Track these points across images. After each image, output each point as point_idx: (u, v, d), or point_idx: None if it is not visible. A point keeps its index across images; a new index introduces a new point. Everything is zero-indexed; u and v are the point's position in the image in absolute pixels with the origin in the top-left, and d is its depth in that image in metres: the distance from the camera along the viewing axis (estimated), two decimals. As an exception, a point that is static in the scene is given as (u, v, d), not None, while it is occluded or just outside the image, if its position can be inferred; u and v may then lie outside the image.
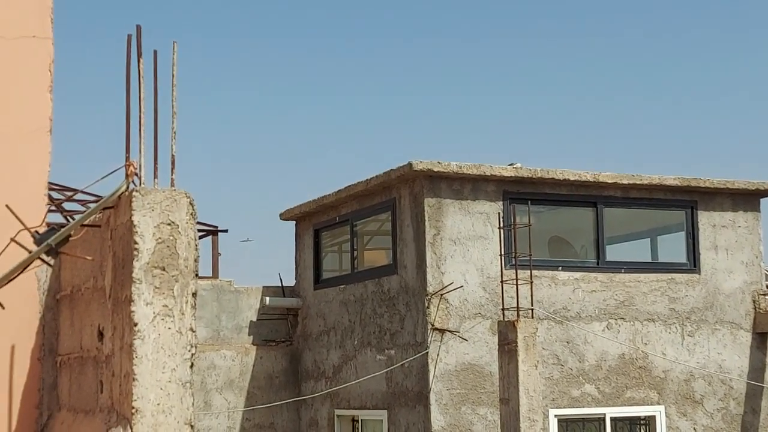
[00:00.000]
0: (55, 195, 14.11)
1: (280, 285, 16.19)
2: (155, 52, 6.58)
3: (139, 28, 6.50)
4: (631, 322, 13.88)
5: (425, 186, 13.05)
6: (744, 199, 14.77)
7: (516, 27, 47.25)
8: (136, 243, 6.04)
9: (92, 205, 13.85)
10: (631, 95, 46.81)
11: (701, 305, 14.32)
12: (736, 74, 45.03)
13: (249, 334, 15.81)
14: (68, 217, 14.58)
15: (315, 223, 15.81)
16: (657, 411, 13.86)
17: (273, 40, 49.83)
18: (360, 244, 15.24)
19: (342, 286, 14.89)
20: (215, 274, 17.15)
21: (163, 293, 6.06)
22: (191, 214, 6.29)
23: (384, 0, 47.54)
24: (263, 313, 15.91)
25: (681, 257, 14.54)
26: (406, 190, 13.42)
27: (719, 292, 14.46)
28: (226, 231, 17.46)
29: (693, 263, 14.44)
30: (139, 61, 6.51)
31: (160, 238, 6.12)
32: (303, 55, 49.09)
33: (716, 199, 14.65)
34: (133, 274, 6.02)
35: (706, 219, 14.55)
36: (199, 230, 16.60)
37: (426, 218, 13.00)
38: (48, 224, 7.03)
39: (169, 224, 6.16)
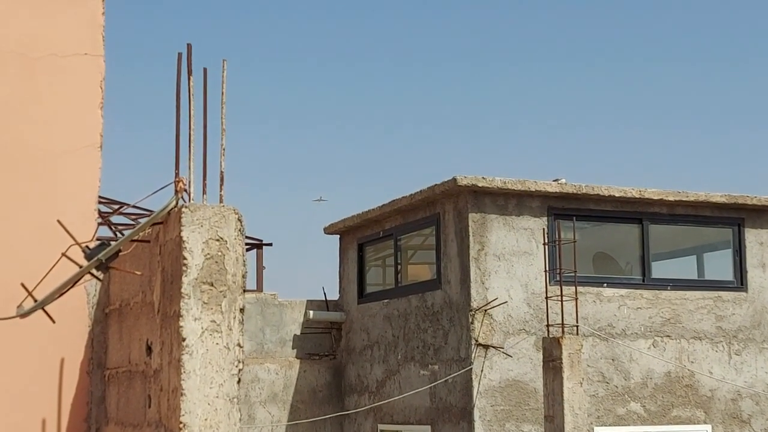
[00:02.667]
0: (102, 208, 14.27)
1: (323, 299, 16.24)
2: (205, 69, 6.66)
3: (189, 46, 6.58)
4: (677, 340, 13.75)
5: (469, 201, 13.04)
6: (792, 216, 14.59)
7: (564, 46, 47.16)
8: (185, 258, 6.11)
9: (140, 219, 14.01)
10: (677, 112, 46.51)
11: (748, 324, 14.16)
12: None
13: (293, 348, 15.86)
14: (116, 231, 14.74)
15: (359, 237, 15.84)
16: (704, 430, 13.70)
17: (320, 58, 50.14)
18: (404, 259, 15.24)
19: (385, 301, 14.90)
20: (259, 288, 17.25)
21: (212, 308, 6.11)
22: (239, 230, 6.35)
23: (430, 21, 47.65)
24: (307, 326, 15.95)
25: (728, 275, 14.38)
26: (450, 205, 13.41)
27: (766, 311, 14.29)
28: (270, 245, 17.56)
29: (740, 281, 14.28)
30: (189, 79, 6.59)
31: (208, 253, 6.18)
32: (350, 72, 49.35)
33: (764, 217, 14.49)
34: (182, 290, 6.08)
35: (753, 237, 14.40)
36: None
37: (470, 233, 12.98)
38: (98, 239, 7.12)
39: (217, 240, 6.22)
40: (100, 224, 12.94)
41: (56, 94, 7.34)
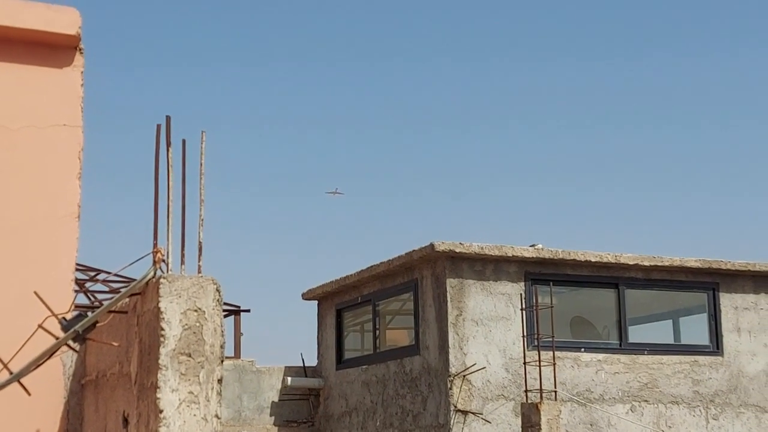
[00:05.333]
0: (79, 275, 14.22)
1: (302, 365, 16.17)
2: (184, 141, 6.71)
3: (168, 118, 6.64)
4: (655, 405, 13.76)
5: (447, 267, 13.09)
6: (766, 281, 14.72)
7: (538, 114, 47.65)
8: (162, 329, 6.10)
9: (116, 285, 13.95)
10: (651, 178, 46.96)
11: (725, 388, 14.20)
12: (756, 157, 45.13)
13: (270, 415, 15.75)
14: (91, 297, 14.68)
15: (337, 302, 15.84)
16: (682, 496, 13.65)
17: (297, 126, 50.44)
18: (382, 324, 15.24)
19: (364, 367, 14.86)
20: (237, 354, 17.16)
21: (189, 380, 6.09)
22: (218, 300, 6.36)
23: (404, 86, 48.11)
24: (285, 393, 15.87)
25: (704, 339, 14.46)
26: (428, 271, 13.46)
27: (743, 375, 14.34)
28: (248, 311, 17.51)
29: (716, 345, 14.36)
30: (168, 150, 6.64)
31: (186, 324, 6.18)
32: (328, 138, 49.64)
33: (738, 282, 14.61)
34: (160, 361, 6.06)
35: (728, 301, 14.50)
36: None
37: (448, 299, 13.02)
38: (76, 306, 7.10)
39: (195, 311, 6.23)
40: (76, 292, 12.90)
41: (35, 164, 7.36)
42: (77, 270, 8.80)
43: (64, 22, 7.29)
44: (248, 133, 49.73)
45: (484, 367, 12.92)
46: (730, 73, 45.75)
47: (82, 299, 14.78)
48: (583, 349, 13.61)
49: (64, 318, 6.53)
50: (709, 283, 14.47)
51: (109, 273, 13.35)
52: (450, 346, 12.89)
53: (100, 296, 15.60)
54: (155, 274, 6.46)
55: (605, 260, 13.73)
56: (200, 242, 6.65)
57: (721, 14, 45.74)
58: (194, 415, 6.02)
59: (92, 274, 15.53)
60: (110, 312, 6.75)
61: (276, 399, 15.82)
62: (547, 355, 12.61)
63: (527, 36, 47.43)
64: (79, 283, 13.31)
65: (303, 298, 16.51)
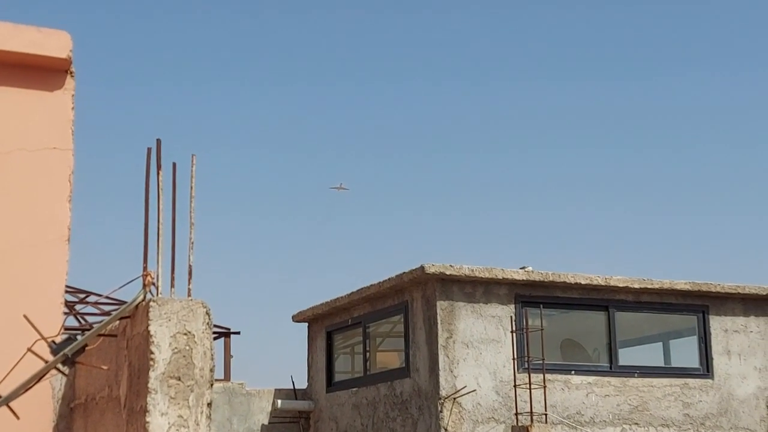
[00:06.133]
0: (68, 297, 14.19)
1: (292, 387, 16.13)
2: (174, 164, 6.72)
3: (158, 141, 6.65)
4: (646, 428, 13.75)
5: (437, 289, 13.09)
6: (755, 304, 14.76)
7: (528, 136, 47.79)
8: (152, 353, 6.09)
9: (106, 308, 13.91)
10: (641, 200, 47.08)
11: (715, 411, 14.20)
12: (746, 180, 45.30)
13: (260, 438, 15.68)
14: (81, 320, 14.64)
15: (327, 325, 15.82)
16: None
17: (285, 150, 50.48)
18: (372, 346, 15.22)
19: (354, 389, 14.83)
20: (227, 377, 17.10)
21: (179, 403, 6.08)
22: (207, 323, 6.35)
23: (393, 108, 48.24)
24: (275, 416, 15.81)
25: (694, 362, 14.47)
26: (419, 293, 13.46)
27: (733, 398, 14.35)
28: (238, 333, 17.46)
29: (706, 368, 14.37)
30: (158, 173, 6.65)
31: (176, 348, 6.17)
32: (317, 159, 49.66)
33: (727, 304, 14.64)
34: (149, 384, 6.05)
35: (717, 324, 14.53)
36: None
37: (438, 321, 13.01)
38: (66, 329, 7.08)
39: (185, 334, 6.22)
40: (66, 314, 12.86)
41: (25, 187, 7.35)
42: (67, 292, 8.79)
43: (55, 45, 7.30)
44: (238, 155, 49.79)
45: (475, 390, 12.91)
46: (717, 95, 46.00)
47: (72, 321, 14.74)
48: (573, 372, 13.61)
49: (53, 341, 6.51)
50: (699, 305, 14.49)
51: (98, 295, 13.33)
52: (440, 368, 12.87)
53: (89, 318, 15.56)
54: (145, 297, 6.45)
55: (595, 283, 13.75)
56: (190, 265, 6.65)
57: (708, 35, 46.01)
58: (183, 439, 6.00)
59: (82, 296, 15.48)
60: (100, 335, 6.74)
61: (266, 422, 15.76)
62: (537, 377, 12.61)
63: (515, 59, 47.62)
64: (69, 305, 13.27)
65: (293, 320, 16.49)
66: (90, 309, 15.84)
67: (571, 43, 46.55)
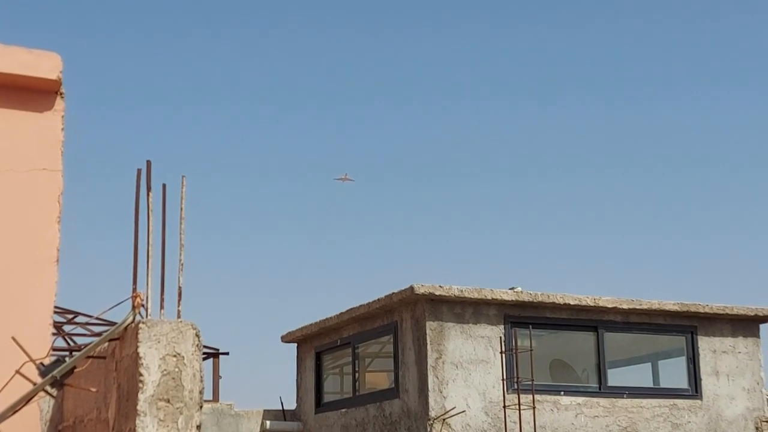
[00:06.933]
0: (56, 318, 14.14)
1: (281, 408, 16.08)
2: (164, 185, 6.73)
3: (149, 163, 6.67)
4: (635, 448, 13.74)
5: (427, 309, 13.09)
6: (743, 324, 14.80)
7: (517, 157, 47.93)
8: (141, 375, 6.08)
9: (95, 329, 13.86)
10: (630, 221, 47.21)
11: (704, 431, 14.20)
12: (734, 201, 45.50)
13: (249, 459, 15.61)
14: (70, 341, 14.59)
15: (316, 345, 15.79)
16: None
17: (274, 172, 50.52)
18: (361, 367, 15.19)
19: (343, 410, 14.79)
20: (216, 397, 17.04)
21: (168, 426, 6.07)
22: (197, 345, 6.34)
23: (382, 130, 48.37)
24: (263, 437, 15.75)
25: (683, 383, 14.48)
26: (408, 314, 13.45)
27: (722, 419, 14.36)
28: (227, 353, 17.41)
29: (695, 389, 14.38)
30: (148, 195, 6.65)
31: (165, 370, 6.16)
32: (306, 183, 49.72)
33: (716, 325, 14.67)
34: (138, 407, 6.04)
35: (706, 344, 14.55)
36: (200, 352, 16.55)
37: (428, 342, 13.00)
38: (54, 349, 7.06)
39: (174, 356, 6.21)
40: (54, 335, 12.81)
41: (14, 208, 7.35)
42: (55, 312, 8.76)
43: (45, 66, 7.31)
44: (228, 177, 49.78)
45: (464, 411, 12.89)
46: (707, 117, 46.22)
47: (60, 342, 14.67)
48: (562, 393, 13.60)
49: (41, 363, 6.49)
50: (688, 326, 14.52)
51: (87, 315, 13.29)
52: (429, 389, 12.86)
53: (78, 339, 15.50)
54: (134, 319, 6.45)
55: (584, 303, 13.77)
56: (180, 287, 6.65)
57: (698, 58, 46.28)
58: (172, 461, 5.98)
59: (70, 316, 15.43)
60: (88, 357, 6.72)
61: (254, 443, 15.70)
62: (526, 398, 12.60)
63: (505, 81, 47.81)
64: (57, 326, 13.22)
65: (282, 341, 16.45)
66: (79, 329, 15.78)
67: (559, 62, 46.77)
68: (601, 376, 13.96)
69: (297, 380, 16.29)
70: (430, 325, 13.05)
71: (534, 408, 12.56)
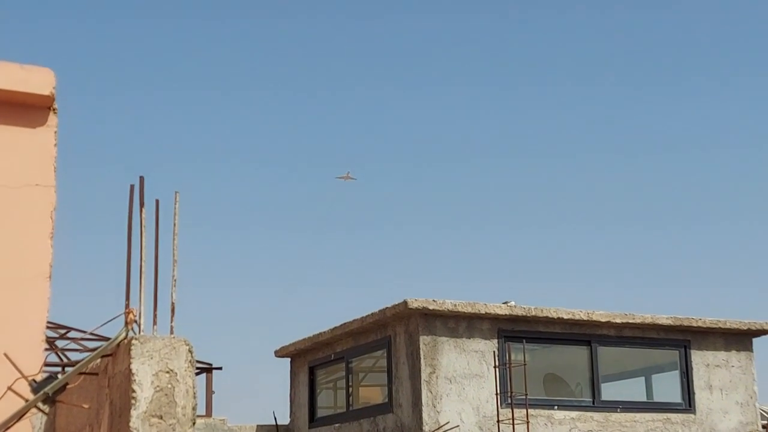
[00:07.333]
0: (48, 333, 14.10)
1: (274, 423, 16.04)
2: (157, 201, 6.73)
3: (141, 178, 6.67)
4: (629, 463, 13.73)
5: (420, 324, 13.08)
6: (736, 338, 14.81)
7: (510, 170, 47.99)
8: (133, 391, 6.07)
9: (87, 344, 13.83)
10: (624, 234, 47.26)
11: (698, 445, 14.20)
12: (727, 215, 45.60)
13: (242, 474, 15.57)
14: (62, 356, 14.55)
15: (310, 360, 15.76)
16: None
17: (267, 186, 50.56)
18: (355, 382, 15.17)
19: (337, 425, 14.77)
20: (209, 413, 17.00)
21: (160, 442, 6.05)
22: (190, 361, 6.33)
23: (373, 141, 48.46)
24: (257, 452, 15.72)
25: (676, 397, 14.48)
26: (402, 328, 13.45)
27: (715, 432, 14.36)
28: (220, 368, 17.38)
29: (688, 403, 14.38)
30: (141, 210, 6.65)
31: (158, 386, 6.14)
32: (299, 197, 49.74)
33: (709, 339, 14.68)
34: (130, 423, 6.02)
35: (699, 358, 14.56)
36: (193, 367, 16.52)
37: (421, 356, 12.99)
38: (46, 364, 7.04)
39: (167, 372, 6.20)
40: (46, 350, 12.77)
41: (6, 224, 7.33)
42: (47, 328, 8.75)
43: (39, 82, 7.30)
44: (221, 192, 49.81)
45: (458, 426, 12.87)
46: (698, 132, 46.35)
47: (52, 357, 14.63)
48: (556, 407, 13.60)
49: (33, 380, 6.47)
50: (681, 340, 14.53)
51: (79, 331, 13.26)
52: (423, 403, 12.84)
53: (70, 354, 15.45)
54: (127, 335, 6.43)
55: (577, 317, 13.77)
56: (173, 302, 6.64)
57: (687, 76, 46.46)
58: (165, 478, 5.97)
59: (63, 331, 15.39)
60: (81, 374, 6.70)
61: (248, 458, 15.67)
62: (520, 412, 12.59)
63: (495, 94, 47.92)
64: (50, 341, 13.19)
65: (276, 356, 16.42)
66: (71, 345, 15.73)
67: (549, 82, 46.88)
68: (594, 390, 13.96)
69: (290, 395, 16.26)
70: (424, 340, 13.04)
71: (528, 422, 12.54)
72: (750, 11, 41.78)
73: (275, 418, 16.10)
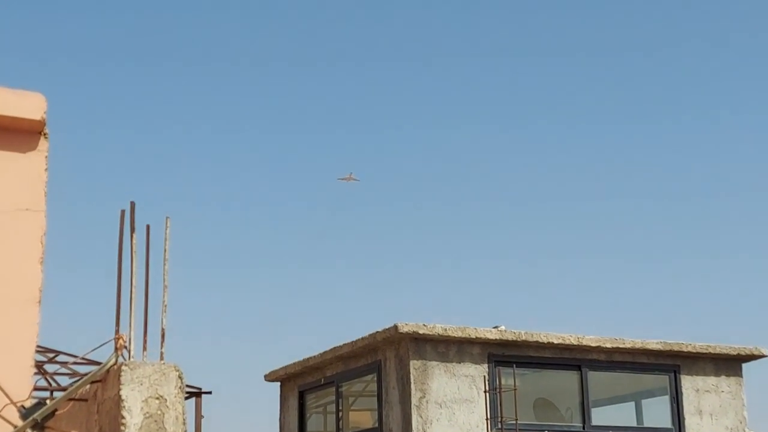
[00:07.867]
0: (37, 357, 14.01)
1: (263, 448, 15.98)
2: (148, 227, 6.73)
3: (132, 204, 6.67)
4: (619, 488, 13.71)
5: (411, 348, 13.07)
6: (726, 364, 14.82)
7: (500, 194, 48.10)
8: (123, 417, 6.05)
9: (77, 368, 13.75)
10: (613, 260, 47.33)
11: (689, 470, 14.19)
12: (717, 241, 45.72)
13: (231, 499, 15.50)
14: (51, 381, 14.46)
15: (300, 384, 15.72)
16: None
17: (257, 212, 50.56)
18: (345, 406, 15.13)
19: (326, 450, 14.72)
20: (198, 437, 16.88)
21: (149, 469, 6.02)
22: (180, 387, 6.32)
23: (365, 165, 48.51)
24: (246, 477, 15.64)
25: (666, 422, 14.47)
26: (392, 352, 13.43)
27: (705, 458, 14.35)
28: (209, 393, 17.26)
29: (678, 428, 14.37)
30: (132, 236, 6.65)
31: (147, 412, 6.13)
32: (289, 222, 49.74)
33: (699, 364, 14.69)
34: (120, 450, 5.99)
35: (689, 383, 14.56)
36: (182, 391, 16.40)
37: (412, 381, 12.97)
38: (35, 388, 7.01)
39: (157, 398, 6.18)
40: (35, 374, 12.68)
41: (-4, 248, 7.31)
42: (36, 352, 8.72)
43: (29, 107, 7.31)
44: (211, 218, 49.79)
45: (448, 451, 12.84)
46: (691, 147, 46.51)
47: (41, 381, 14.52)
48: (546, 432, 13.58)
49: (22, 406, 6.44)
50: (671, 365, 14.53)
51: (68, 355, 13.17)
52: (413, 428, 12.80)
53: (59, 379, 15.33)
54: (117, 360, 6.42)
55: (568, 342, 13.77)
56: (163, 328, 6.63)
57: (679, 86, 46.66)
58: (154, 505, 5.94)
59: (51, 355, 15.28)
60: (70, 399, 6.67)
61: (237, 483, 15.58)
62: (510, 438, 12.56)
63: (485, 110, 48.06)
64: (38, 364, 13.11)
65: (265, 380, 16.37)
66: (60, 369, 15.62)
67: (542, 95, 47.07)
68: (584, 414, 13.94)
69: (280, 419, 16.20)
70: (414, 364, 13.02)
71: (518, 448, 12.51)
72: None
73: (265, 443, 16.04)
